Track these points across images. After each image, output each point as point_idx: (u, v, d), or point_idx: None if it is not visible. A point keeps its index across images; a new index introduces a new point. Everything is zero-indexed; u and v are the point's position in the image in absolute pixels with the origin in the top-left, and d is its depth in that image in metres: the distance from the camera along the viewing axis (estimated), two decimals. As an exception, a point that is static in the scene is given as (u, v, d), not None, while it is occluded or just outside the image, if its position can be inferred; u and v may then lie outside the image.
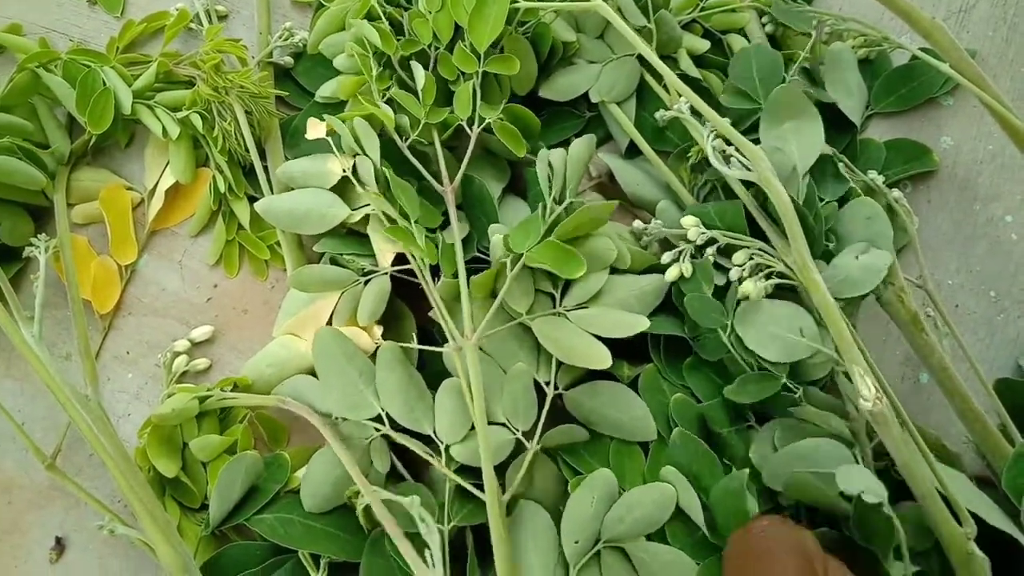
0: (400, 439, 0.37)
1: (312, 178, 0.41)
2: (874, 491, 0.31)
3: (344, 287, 0.40)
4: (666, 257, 0.40)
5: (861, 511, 0.33)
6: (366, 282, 0.40)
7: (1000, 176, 0.45)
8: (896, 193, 0.42)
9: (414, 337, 0.39)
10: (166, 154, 0.44)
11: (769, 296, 0.38)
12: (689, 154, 0.43)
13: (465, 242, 0.41)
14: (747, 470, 0.36)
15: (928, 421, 0.41)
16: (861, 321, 0.41)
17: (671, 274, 0.40)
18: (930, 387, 0.43)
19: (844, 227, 0.39)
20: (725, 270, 0.39)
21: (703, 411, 0.39)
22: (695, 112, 0.40)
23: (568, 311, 0.38)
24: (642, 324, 0.37)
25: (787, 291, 0.38)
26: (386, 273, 0.39)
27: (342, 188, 0.41)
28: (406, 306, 0.42)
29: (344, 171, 0.40)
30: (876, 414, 0.33)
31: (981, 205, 0.45)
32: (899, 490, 0.34)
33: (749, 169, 0.37)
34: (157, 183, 0.44)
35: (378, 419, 0.37)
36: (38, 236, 0.40)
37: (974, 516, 0.34)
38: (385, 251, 0.39)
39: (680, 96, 0.40)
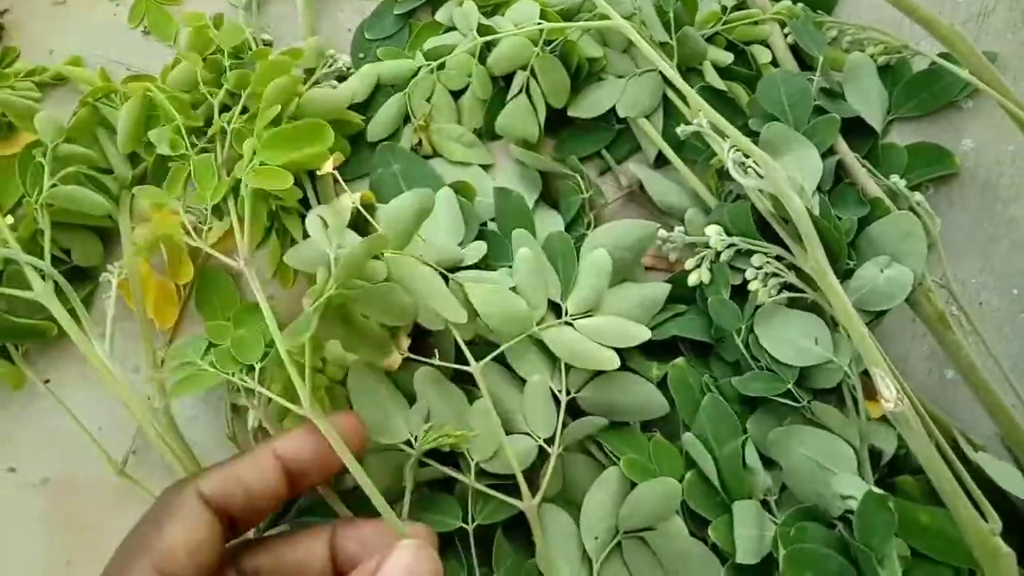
0: (427, 461, 0.39)
1: (332, 220, 0.42)
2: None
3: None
4: (690, 263, 0.43)
5: (865, 508, 0.35)
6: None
7: (1021, 176, 0.47)
8: (918, 196, 0.43)
9: (436, 354, 0.40)
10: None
11: (789, 305, 0.40)
12: (712, 162, 0.45)
13: (500, 252, 0.44)
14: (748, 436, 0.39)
15: (954, 416, 0.43)
16: (886, 319, 0.42)
17: (692, 279, 0.42)
18: (956, 382, 0.44)
19: (872, 242, 0.41)
20: (743, 271, 0.42)
21: (721, 386, 0.41)
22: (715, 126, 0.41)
23: (574, 319, 0.41)
24: (643, 335, 0.40)
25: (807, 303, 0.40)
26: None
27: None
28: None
29: (353, 203, 0.42)
30: (898, 414, 0.35)
31: (1002, 205, 0.46)
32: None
33: (763, 178, 0.39)
34: (215, 204, 0.47)
35: (408, 443, 0.39)
36: (112, 264, 0.44)
37: (1007, 503, 0.35)
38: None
39: (700, 111, 0.42)
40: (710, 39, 0.48)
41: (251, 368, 0.38)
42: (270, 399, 0.43)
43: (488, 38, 0.45)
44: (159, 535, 0.30)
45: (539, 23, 0.44)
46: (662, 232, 0.43)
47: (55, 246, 0.44)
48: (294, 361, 0.35)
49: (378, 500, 0.33)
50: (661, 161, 0.47)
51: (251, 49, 0.49)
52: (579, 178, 0.45)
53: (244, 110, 0.43)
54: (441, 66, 0.47)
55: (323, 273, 0.35)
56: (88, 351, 0.42)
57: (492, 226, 0.46)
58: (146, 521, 0.32)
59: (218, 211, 0.41)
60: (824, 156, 0.42)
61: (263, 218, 0.43)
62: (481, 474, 0.39)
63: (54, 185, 0.43)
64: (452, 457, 0.40)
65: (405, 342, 0.41)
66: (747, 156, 0.40)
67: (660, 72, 0.45)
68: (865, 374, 0.38)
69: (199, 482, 0.32)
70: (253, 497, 0.33)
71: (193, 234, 0.40)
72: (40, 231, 0.43)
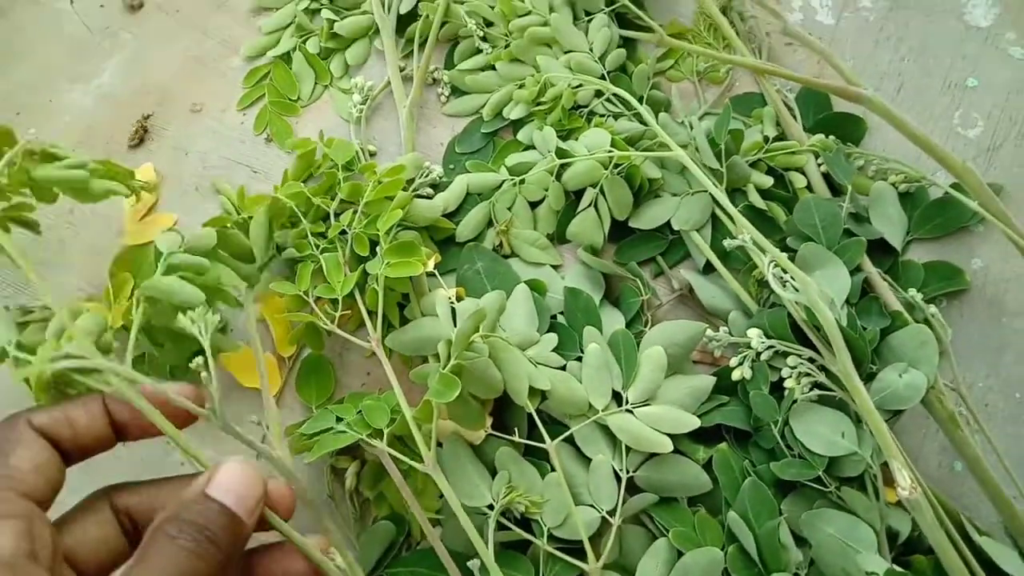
0: (506, 523, 0.46)
1: (430, 308, 0.51)
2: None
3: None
4: (733, 361, 0.49)
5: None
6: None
7: (1025, 294, 0.53)
8: (932, 308, 0.50)
9: (516, 432, 0.47)
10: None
11: (819, 402, 0.47)
12: (754, 273, 0.53)
13: (568, 343, 0.51)
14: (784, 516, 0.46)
15: (961, 504, 0.49)
16: (903, 417, 0.49)
17: (736, 375, 0.49)
18: (964, 474, 0.50)
19: (892, 349, 0.48)
20: (779, 370, 0.48)
21: (759, 471, 0.48)
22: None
23: (635, 407, 0.48)
24: (693, 423, 0.47)
25: (835, 400, 0.47)
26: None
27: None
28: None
29: (450, 300, 0.51)
30: (912, 501, 0.41)
31: (1008, 319, 0.53)
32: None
33: (799, 291, 0.46)
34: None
35: (490, 507, 0.46)
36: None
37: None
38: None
39: (743, 229, 0.49)
40: (753, 164, 0.56)
41: (379, 432, 0.45)
42: (363, 463, 0.51)
43: (565, 160, 0.53)
44: (4, 462, 0.32)
45: (610, 150, 0.52)
46: (709, 332, 0.50)
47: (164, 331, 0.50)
48: (417, 425, 0.43)
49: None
50: (708, 268, 0.54)
51: (359, 160, 0.57)
52: (639, 282, 0.53)
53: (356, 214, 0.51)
54: (522, 180, 0.55)
55: (444, 345, 0.43)
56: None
57: (561, 319, 0.53)
58: None
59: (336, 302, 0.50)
60: (852, 273, 0.49)
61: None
62: (551, 539, 0.46)
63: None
64: (527, 523, 0.46)
65: (489, 419, 0.48)
66: (785, 271, 0.47)
67: (710, 192, 0.53)
68: (884, 465, 0.45)
69: (29, 415, 0.34)
70: (79, 434, 0.35)
71: (325, 319, 0.48)
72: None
